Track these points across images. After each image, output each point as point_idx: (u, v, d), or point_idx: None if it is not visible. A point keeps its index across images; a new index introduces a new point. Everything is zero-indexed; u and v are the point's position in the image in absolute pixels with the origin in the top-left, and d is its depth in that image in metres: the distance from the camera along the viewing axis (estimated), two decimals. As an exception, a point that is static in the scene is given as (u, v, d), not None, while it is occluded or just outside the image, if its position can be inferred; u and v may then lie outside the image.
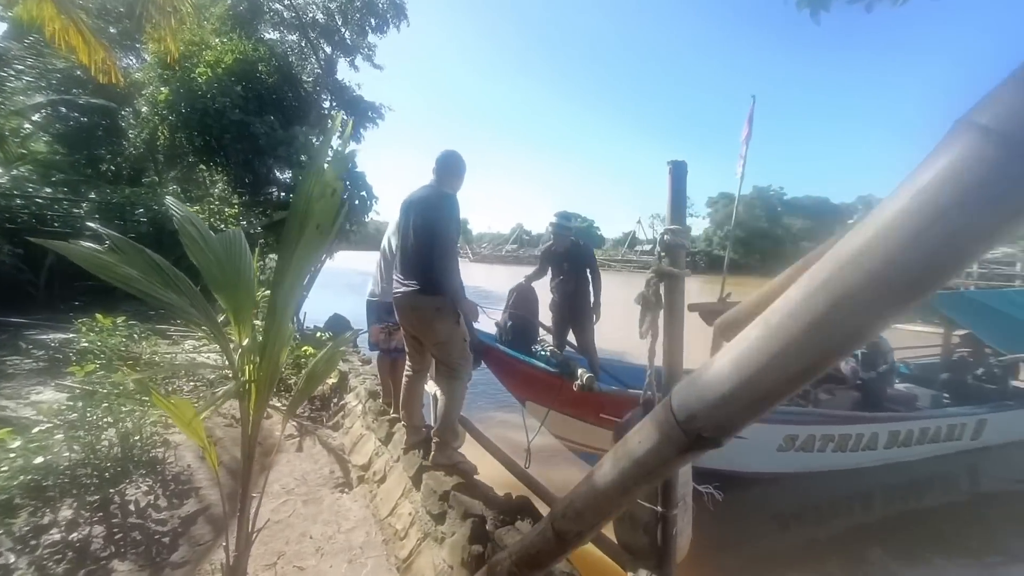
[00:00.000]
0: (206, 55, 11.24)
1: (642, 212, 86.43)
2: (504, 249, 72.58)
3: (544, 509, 2.37)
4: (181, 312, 1.65)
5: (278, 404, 3.88)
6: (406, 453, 2.85)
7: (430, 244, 2.53)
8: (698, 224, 67.39)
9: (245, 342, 1.91)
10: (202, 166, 12.63)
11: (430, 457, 2.64)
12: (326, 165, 1.94)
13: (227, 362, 1.82)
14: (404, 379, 2.96)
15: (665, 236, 1.50)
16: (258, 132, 11.07)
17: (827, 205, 60.08)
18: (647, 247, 63.84)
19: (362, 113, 13.49)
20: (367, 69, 14.05)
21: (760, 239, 57.19)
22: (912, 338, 6.66)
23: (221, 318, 2.09)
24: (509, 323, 4.12)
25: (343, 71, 14.55)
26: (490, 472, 2.85)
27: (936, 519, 4.01)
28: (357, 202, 11.58)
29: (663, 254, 1.53)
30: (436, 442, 2.63)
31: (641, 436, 1.10)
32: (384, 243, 3.40)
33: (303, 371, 4.53)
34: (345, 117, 14.11)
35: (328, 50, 13.36)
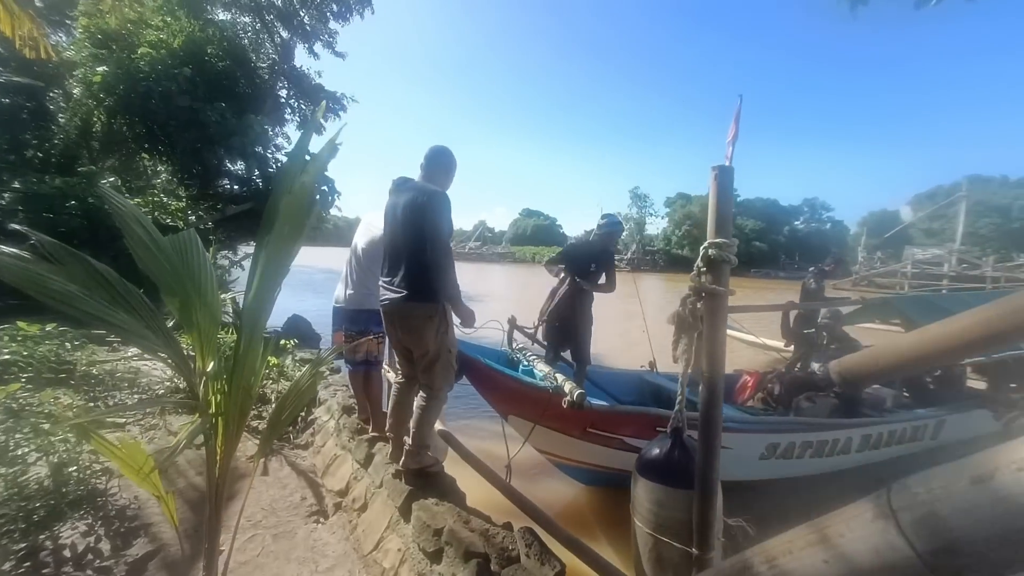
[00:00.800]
0: (147, 35, 10.35)
1: (604, 210, 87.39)
2: (467, 246, 71.96)
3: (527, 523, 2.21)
4: (135, 338, 1.36)
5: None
6: (389, 466, 2.63)
7: (422, 246, 2.33)
8: (657, 223, 69.35)
9: (210, 367, 1.63)
10: (144, 155, 11.65)
11: (401, 461, 2.53)
12: (307, 159, 1.68)
13: (186, 385, 1.53)
14: (394, 386, 2.75)
15: (710, 251, 1.34)
16: (208, 120, 10.29)
17: (776, 207, 63.01)
18: (608, 245, 65.00)
19: (319, 101, 12.84)
20: (328, 57, 13.32)
21: (715, 239, 59.32)
22: (870, 336, 6.94)
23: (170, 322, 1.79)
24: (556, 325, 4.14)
25: (302, 58, 13.79)
26: (473, 487, 2.71)
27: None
28: (318, 197, 11.02)
29: (703, 269, 1.38)
30: (408, 449, 2.51)
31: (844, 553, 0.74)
32: (353, 244, 3.12)
33: (275, 394, 4.19)
34: (303, 106, 13.46)
35: (285, 35, 12.63)
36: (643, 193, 70.77)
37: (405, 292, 2.35)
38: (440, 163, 2.57)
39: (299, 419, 4.01)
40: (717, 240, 1.33)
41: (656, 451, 1.66)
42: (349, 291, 3.00)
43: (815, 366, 4.96)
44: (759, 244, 57.91)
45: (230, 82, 11.55)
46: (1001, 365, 5.35)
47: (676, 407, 1.65)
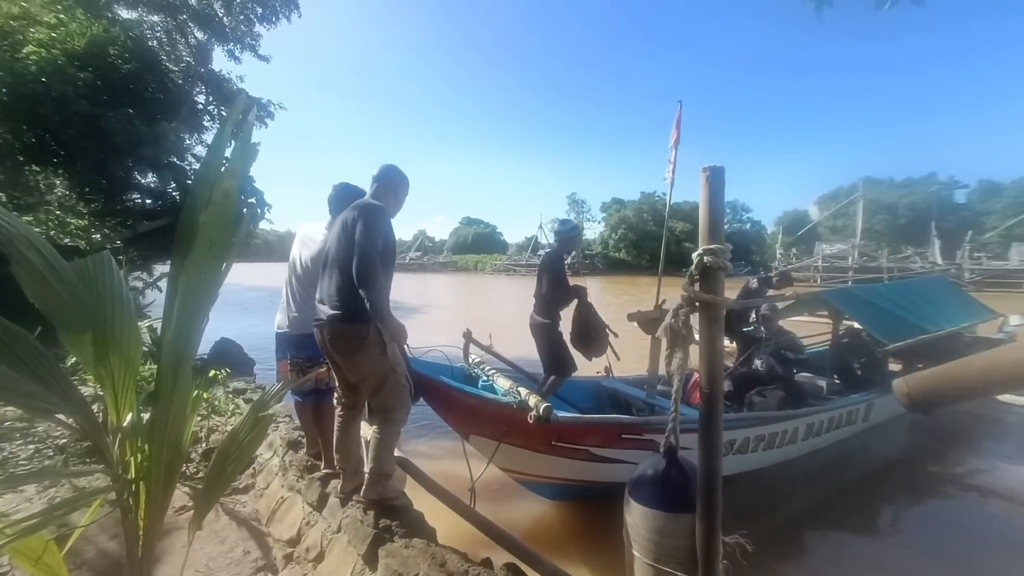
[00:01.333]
0: (37, 33, 9.17)
1: (543, 217, 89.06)
2: (408, 257, 70.45)
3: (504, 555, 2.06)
4: (17, 396, 1.06)
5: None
6: (344, 503, 2.37)
7: (348, 260, 2.18)
8: (595, 228, 71.53)
9: (127, 420, 1.34)
10: (35, 167, 10.30)
11: (361, 491, 2.38)
12: (224, 164, 1.44)
13: (96, 444, 1.24)
14: (336, 419, 2.54)
15: (705, 258, 1.26)
16: (112, 127, 9.27)
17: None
18: (549, 250, 66.17)
19: (245, 110, 11.99)
20: (253, 62, 12.49)
21: (649, 241, 62.07)
22: (803, 328, 7.40)
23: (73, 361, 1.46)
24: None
25: (222, 63, 12.85)
26: (436, 516, 2.53)
27: (847, 497, 4.38)
28: (246, 210, 10.24)
29: (696, 277, 1.30)
30: (368, 478, 2.38)
31: None
32: (292, 260, 2.84)
33: (204, 431, 3.69)
34: (224, 113, 12.51)
35: (201, 36, 11.69)
36: (581, 199, 72.91)
37: (332, 312, 2.24)
38: (387, 182, 2.49)
39: (187, 440, 3.59)
40: (711, 246, 1.26)
41: (649, 473, 1.56)
42: (293, 314, 2.70)
43: (757, 362, 5.18)
44: (688, 245, 61.23)
45: (138, 86, 10.50)
46: (912, 348, 5.86)
47: (670, 424, 1.56)
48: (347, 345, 2.26)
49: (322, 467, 2.79)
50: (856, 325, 6.32)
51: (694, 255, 1.29)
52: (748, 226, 71.55)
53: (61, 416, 1.12)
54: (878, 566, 3.31)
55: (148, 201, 11.17)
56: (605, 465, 3.50)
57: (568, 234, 4.41)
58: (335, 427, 2.54)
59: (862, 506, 4.18)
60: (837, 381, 5.81)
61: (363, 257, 2.13)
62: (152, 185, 11.02)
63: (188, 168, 11.13)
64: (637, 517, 1.51)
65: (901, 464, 5.10)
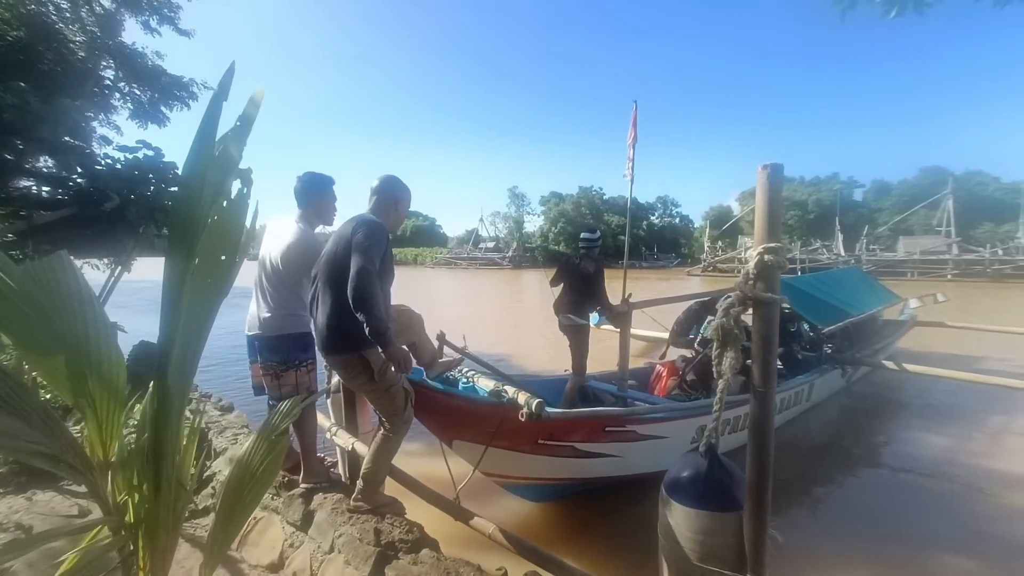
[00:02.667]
0: None
1: (484, 210, 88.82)
2: (342, 250, 67.47)
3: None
4: (16, 447, 0.83)
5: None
6: (333, 521, 2.20)
7: (342, 281, 2.04)
8: (534, 221, 72.33)
9: (114, 455, 1.12)
10: None
11: (351, 498, 2.34)
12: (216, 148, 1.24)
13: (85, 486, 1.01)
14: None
15: (766, 257, 1.24)
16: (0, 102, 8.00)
17: (636, 203, 69.83)
18: (490, 244, 66.01)
19: (165, 89, 10.81)
20: (174, 37, 11.29)
21: (587, 234, 63.77)
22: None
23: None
24: None
25: (138, 36, 11.51)
26: (421, 515, 2.46)
27: (798, 476, 4.71)
28: (169, 202, 9.25)
29: (753, 274, 1.28)
30: (360, 485, 2.35)
31: None
32: (262, 257, 2.57)
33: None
34: (137, 92, 11.24)
35: (107, 4, 10.37)
36: (521, 192, 73.23)
37: (321, 336, 2.19)
38: (388, 195, 2.41)
39: (191, 476, 3.20)
40: (772, 245, 1.24)
41: (690, 473, 1.54)
42: (264, 314, 2.44)
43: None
44: (623, 238, 63.66)
45: (29, 57, 9.14)
46: (843, 331, 6.43)
47: (711, 422, 1.54)
48: (348, 374, 2.26)
49: (300, 481, 2.55)
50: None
51: (753, 252, 1.27)
52: (678, 220, 75.62)
53: (46, 451, 0.90)
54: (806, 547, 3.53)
55: (46, 189, 9.79)
56: (589, 461, 3.51)
57: (599, 242, 4.69)
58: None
59: (805, 486, 4.52)
60: (780, 365, 6.26)
61: (361, 279, 1.95)
62: (50, 171, 9.68)
63: (97, 152, 9.89)
64: (680, 519, 1.49)
65: (835, 442, 5.59)
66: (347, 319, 2.02)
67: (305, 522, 2.33)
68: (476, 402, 2.98)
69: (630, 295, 4.76)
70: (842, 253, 41.75)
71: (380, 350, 2.08)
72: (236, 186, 1.18)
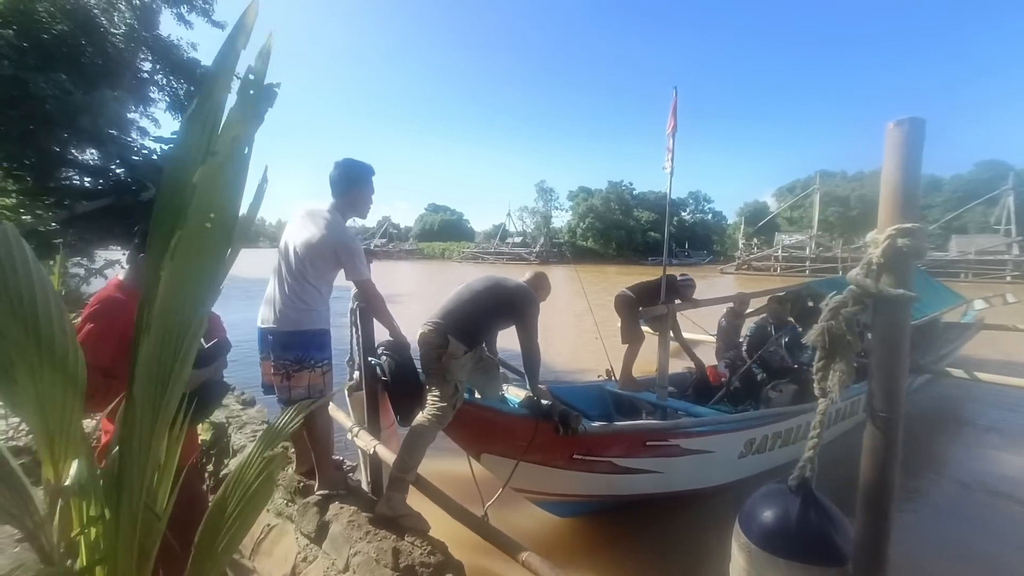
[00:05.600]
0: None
1: (511, 205, 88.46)
2: (372, 244, 68.47)
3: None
4: None
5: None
6: (349, 535, 1.99)
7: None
8: (562, 216, 71.62)
9: (69, 478, 0.91)
10: (-52, 138, 9.03)
11: (375, 506, 2.21)
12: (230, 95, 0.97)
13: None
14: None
15: (899, 241, 0.93)
16: (43, 94, 8.18)
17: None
18: (517, 239, 65.70)
19: (200, 81, 10.94)
20: (205, 28, 11.43)
21: (616, 230, 62.72)
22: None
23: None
24: None
25: (172, 27, 11.75)
26: (445, 530, 2.22)
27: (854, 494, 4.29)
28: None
29: (879, 263, 0.97)
30: (389, 481, 2.26)
31: None
32: (283, 245, 2.37)
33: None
34: (174, 84, 11.43)
35: (144, -4, 10.53)
36: (549, 187, 72.55)
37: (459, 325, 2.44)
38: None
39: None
40: (908, 225, 0.92)
41: (776, 512, 1.24)
42: (279, 307, 2.23)
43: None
44: (654, 234, 62.35)
45: (72, 49, 9.36)
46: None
47: (808, 451, 1.24)
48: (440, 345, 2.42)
49: (315, 489, 2.35)
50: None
51: (877, 236, 0.96)
52: (710, 216, 73.54)
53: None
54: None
55: (88, 179, 10.06)
56: (628, 477, 3.22)
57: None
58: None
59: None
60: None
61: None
62: (92, 161, 9.93)
63: (134, 143, 10.10)
64: (763, 568, 1.19)
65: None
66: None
67: (320, 534, 2.13)
68: (507, 414, 2.75)
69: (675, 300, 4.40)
70: (887, 252, 39.63)
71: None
72: (233, 140, 0.94)
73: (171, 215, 0.88)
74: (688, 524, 3.56)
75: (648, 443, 3.19)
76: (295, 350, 2.24)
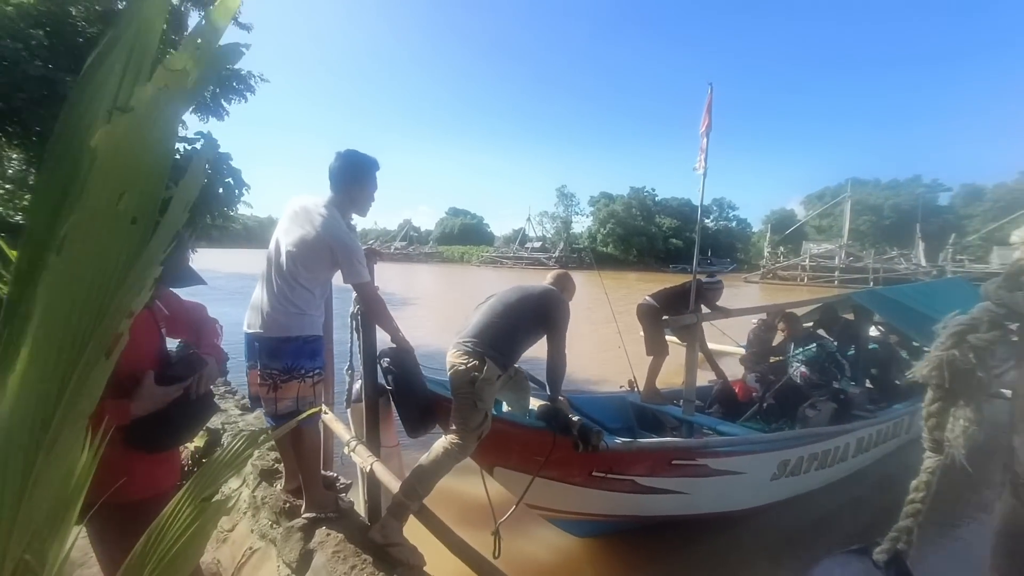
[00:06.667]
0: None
1: (532, 209, 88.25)
2: (392, 247, 69.06)
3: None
4: None
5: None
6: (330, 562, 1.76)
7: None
8: (583, 222, 71.11)
9: None
10: (-18, 136, 9.25)
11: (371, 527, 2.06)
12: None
13: None
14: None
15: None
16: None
17: (690, 206, 67.07)
18: (536, 244, 65.37)
19: (224, 81, 11.04)
20: (232, 29, 11.51)
21: (637, 236, 61.92)
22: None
23: None
24: None
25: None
26: (441, 567, 2.00)
27: (897, 515, 3.89)
28: (222, 190, 9.38)
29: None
30: (391, 504, 2.09)
31: None
32: (274, 243, 2.17)
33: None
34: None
35: (174, -1, 10.69)
36: (570, 192, 72.13)
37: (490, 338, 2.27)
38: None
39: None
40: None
41: None
42: (268, 311, 2.03)
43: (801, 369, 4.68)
44: (675, 241, 61.34)
45: (101, 51, 9.51)
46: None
47: (905, 520, 0.94)
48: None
49: (302, 510, 2.13)
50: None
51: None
52: (734, 224, 72.02)
53: None
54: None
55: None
56: (650, 497, 2.97)
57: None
58: None
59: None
60: (870, 386, 5.36)
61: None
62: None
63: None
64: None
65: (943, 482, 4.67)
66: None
67: (302, 564, 1.90)
68: (523, 427, 2.57)
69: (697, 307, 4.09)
70: (923, 263, 38.02)
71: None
72: (154, 92, 0.69)
73: (55, 192, 0.65)
74: (715, 551, 3.32)
75: (674, 462, 2.96)
76: (284, 358, 2.03)
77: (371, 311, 2.24)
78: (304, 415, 1.59)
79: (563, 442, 2.40)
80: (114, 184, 0.65)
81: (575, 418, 2.45)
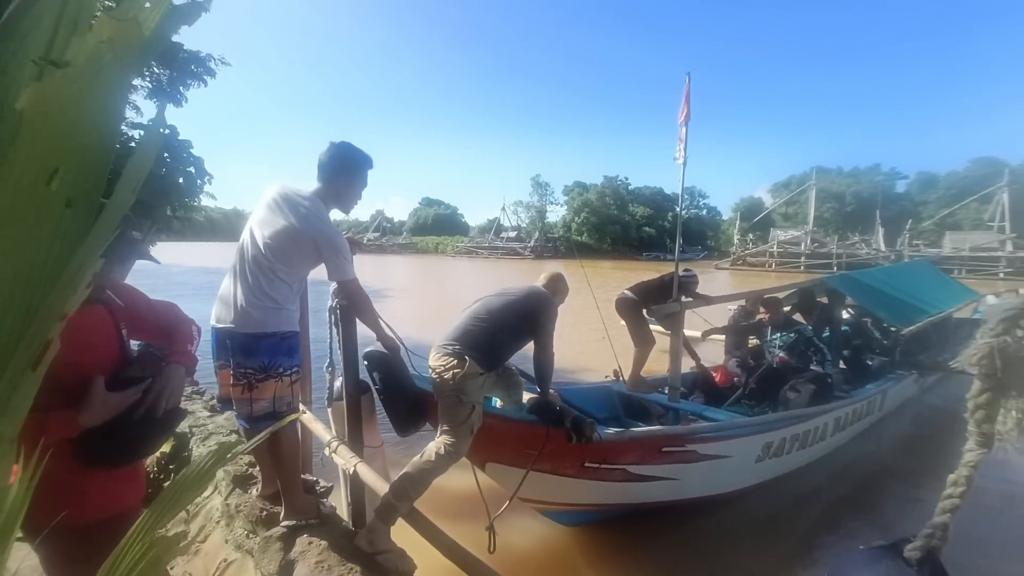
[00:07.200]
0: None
1: (506, 199, 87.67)
2: (365, 238, 67.49)
3: None
4: None
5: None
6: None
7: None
8: (557, 211, 71.19)
9: None
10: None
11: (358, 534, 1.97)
12: None
13: None
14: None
15: None
16: None
17: (662, 195, 67.98)
18: (512, 233, 65.16)
19: (182, 66, 10.43)
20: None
21: (611, 225, 62.44)
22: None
23: None
24: None
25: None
26: (432, 570, 1.95)
27: (871, 496, 4.05)
28: (182, 180, 8.91)
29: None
30: (378, 507, 1.99)
31: None
32: (247, 233, 2.00)
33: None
34: (155, 69, 10.92)
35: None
36: (544, 181, 71.94)
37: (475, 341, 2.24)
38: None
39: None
40: None
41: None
42: (241, 304, 1.86)
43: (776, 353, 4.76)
44: (648, 230, 62.13)
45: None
46: (916, 332, 5.58)
47: (941, 515, 0.88)
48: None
49: (281, 518, 2.00)
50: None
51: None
52: (704, 212, 73.45)
53: None
54: None
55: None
56: (641, 485, 2.99)
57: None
58: None
59: (888, 497, 3.94)
60: (843, 367, 5.50)
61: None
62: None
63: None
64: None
65: (915, 457, 4.86)
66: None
67: (283, 575, 1.77)
68: (516, 422, 2.52)
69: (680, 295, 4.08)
70: (882, 248, 39.66)
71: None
72: (94, 47, 0.55)
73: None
74: (700, 532, 3.40)
75: (664, 449, 2.99)
76: (260, 356, 1.87)
77: (357, 308, 2.13)
78: (286, 421, 1.44)
79: (556, 435, 2.37)
80: (44, 158, 0.51)
81: (567, 410, 2.40)
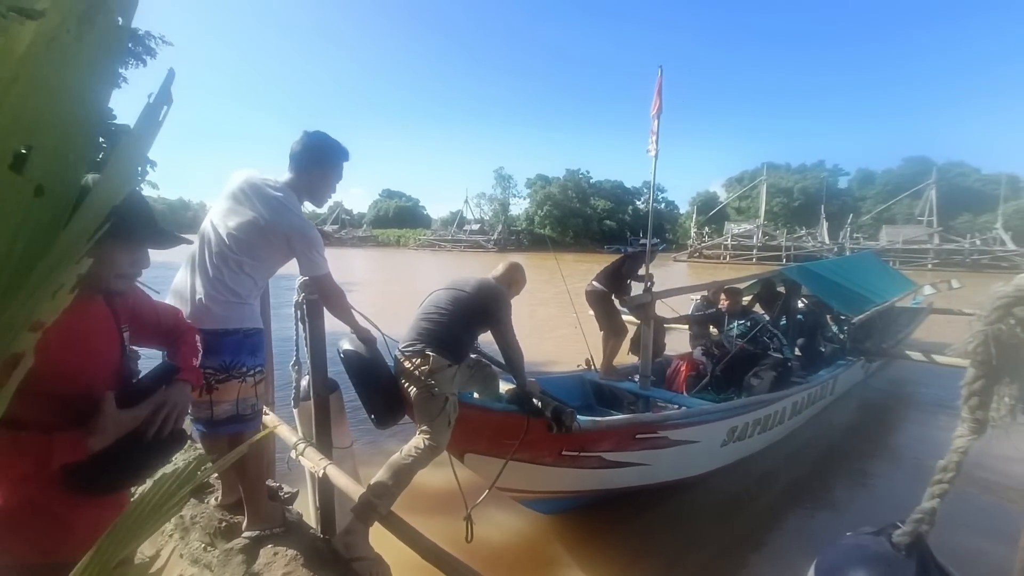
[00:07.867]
0: None
1: (469, 191, 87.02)
2: (324, 230, 65.37)
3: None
4: None
5: None
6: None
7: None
8: (520, 204, 71.33)
9: None
10: None
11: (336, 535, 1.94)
12: None
13: None
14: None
15: None
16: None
17: (622, 188, 69.32)
18: (475, 226, 64.78)
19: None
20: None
21: (573, 218, 63.16)
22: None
23: None
24: None
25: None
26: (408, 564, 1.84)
27: (825, 475, 4.27)
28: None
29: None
30: (357, 507, 1.90)
31: None
32: (208, 224, 1.85)
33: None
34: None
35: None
36: (507, 174, 71.84)
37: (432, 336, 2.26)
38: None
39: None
40: None
41: None
42: (202, 299, 1.71)
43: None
44: (609, 223, 63.25)
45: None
46: (864, 320, 5.92)
47: (930, 500, 0.88)
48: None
49: (244, 527, 1.87)
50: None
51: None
52: (663, 205, 75.47)
53: None
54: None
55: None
56: (615, 471, 3.08)
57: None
58: None
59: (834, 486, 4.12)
60: (798, 354, 5.76)
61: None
62: None
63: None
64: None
65: (862, 437, 5.16)
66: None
67: (248, 590, 1.65)
68: (495, 412, 2.50)
69: (651, 283, 4.17)
70: (827, 241, 41.95)
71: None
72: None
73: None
74: (669, 513, 3.52)
75: (638, 436, 3.05)
76: (222, 354, 1.73)
77: (332, 304, 2.06)
78: (256, 437, 1.31)
79: (536, 424, 2.37)
80: (8, 135, 0.39)
81: (548, 400, 2.39)
